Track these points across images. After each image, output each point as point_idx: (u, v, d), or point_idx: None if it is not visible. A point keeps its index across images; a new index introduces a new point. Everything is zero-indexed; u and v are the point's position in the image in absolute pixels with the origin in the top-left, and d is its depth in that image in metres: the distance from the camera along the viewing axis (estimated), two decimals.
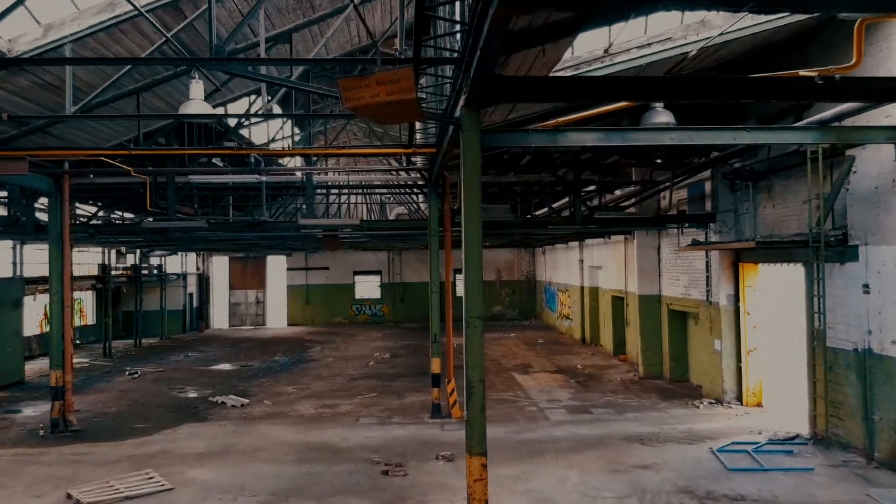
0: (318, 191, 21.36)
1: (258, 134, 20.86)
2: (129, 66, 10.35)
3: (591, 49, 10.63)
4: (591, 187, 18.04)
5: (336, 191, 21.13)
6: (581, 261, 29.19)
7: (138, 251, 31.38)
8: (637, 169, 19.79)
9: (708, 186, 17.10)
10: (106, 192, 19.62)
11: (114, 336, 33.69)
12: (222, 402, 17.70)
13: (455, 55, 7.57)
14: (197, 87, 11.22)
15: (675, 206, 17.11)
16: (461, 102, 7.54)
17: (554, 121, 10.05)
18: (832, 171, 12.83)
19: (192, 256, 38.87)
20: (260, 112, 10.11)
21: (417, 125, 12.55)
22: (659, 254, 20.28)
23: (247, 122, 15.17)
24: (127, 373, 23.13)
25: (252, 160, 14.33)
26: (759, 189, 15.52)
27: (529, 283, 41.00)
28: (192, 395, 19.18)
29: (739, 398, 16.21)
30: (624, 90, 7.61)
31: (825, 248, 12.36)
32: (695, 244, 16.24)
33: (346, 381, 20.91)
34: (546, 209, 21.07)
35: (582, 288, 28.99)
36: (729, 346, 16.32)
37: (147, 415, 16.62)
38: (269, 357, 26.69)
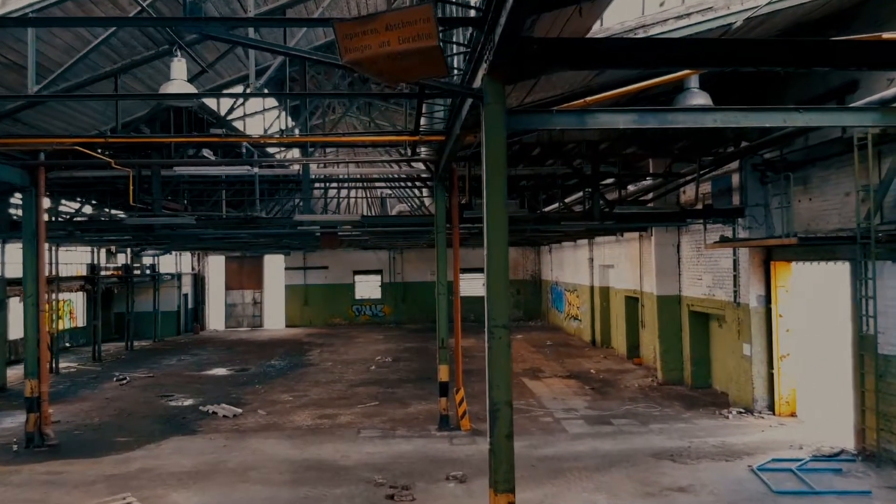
0: (316, 186, 20.14)
1: (253, 127, 19.65)
2: (100, 41, 9.12)
3: (622, 20, 9.42)
4: (610, 180, 16.81)
5: (335, 185, 19.92)
6: (591, 259, 27.98)
7: (129, 250, 30.14)
8: (653, 162, 18.63)
9: (735, 179, 15.89)
10: (90, 188, 18.39)
11: (106, 339, 32.56)
12: (213, 412, 16.48)
13: (476, 13, 6.35)
14: (179, 67, 10.03)
15: (698, 200, 15.90)
16: (483, 71, 6.33)
17: (582, 101, 8.89)
18: (880, 160, 11.64)
19: (186, 256, 37.63)
20: (248, 91, 8.91)
21: (423, 109, 11.32)
22: (678, 252, 19.06)
23: (238, 105, 13.94)
24: (115, 378, 21.92)
25: (244, 151, 13.13)
26: (793, 181, 14.30)
27: (535, 282, 39.79)
28: (182, 403, 17.97)
29: (771, 407, 15.01)
30: (693, 54, 6.31)
31: (875, 244, 11.16)
32: (724, 241, 15.02)
33: (345, 387, 19.71)
34: (557, 204, 19.85)
35: (592, 288, 27.78)
36: (760, 351, 15.12)
37: (132, 426, 15.40)
38: (266, 361, 25.48)
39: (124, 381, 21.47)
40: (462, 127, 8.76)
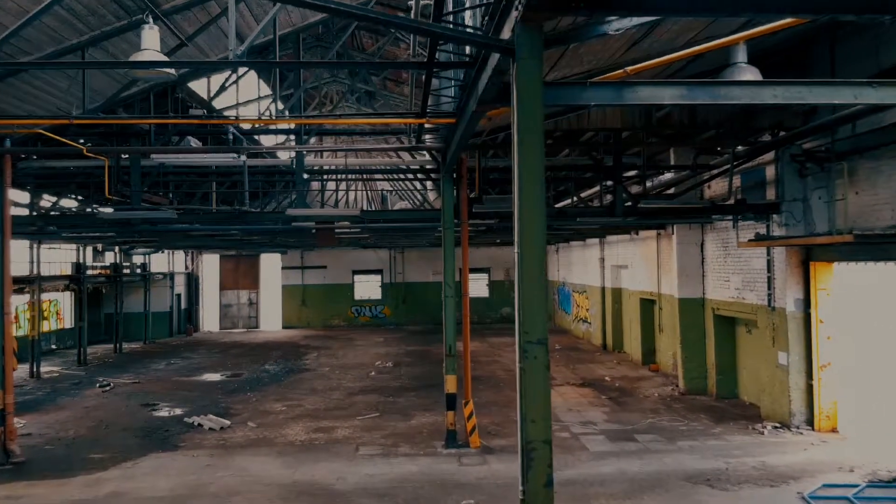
0: (312, 179, 18.78)
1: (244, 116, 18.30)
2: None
3: None
4: (632, 173, 15.46)
5: (332, 178, 18.56)
6: (602, 259, 26.63)
7: (117, 248, 28.77)
8: (674, 154, 17.31)
9: (769, 172, 14.56)
10: (70, 180, 17.05)
11: (95, 340, 31.23)
12: (199, 425, 15.13)
13: None
14: (151, 35, 8.72)
15: (731, 195, 14.54)
16: (514, 17, 4.99)
17: (621, 71, 7.58)
18: None
19: (180, 255, 36.27)
20: (229, 58, 7.58)
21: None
22: (702, 251, 17.71)
23: (230, 83, 12.60)
24: (98, 385, 20.56)
25: (230, 138, 11.80)
26: (836, 173, 12.96)
27: None
28: (167, 413, 16.62)
29: (810, 422, 13.66)
30: None
31: None
32: (760, 239, 13.69)
33: (343, 395, 18.35)
34: (571, 199, 18.51)
35: (603, 289, 26.44)
36: (798, 360, 13.77)
37: (108, 441, 14.06)
38: (260, 365, 24.12)
39: (107, 388, 20.12)
40: (479, 101, 7.40)
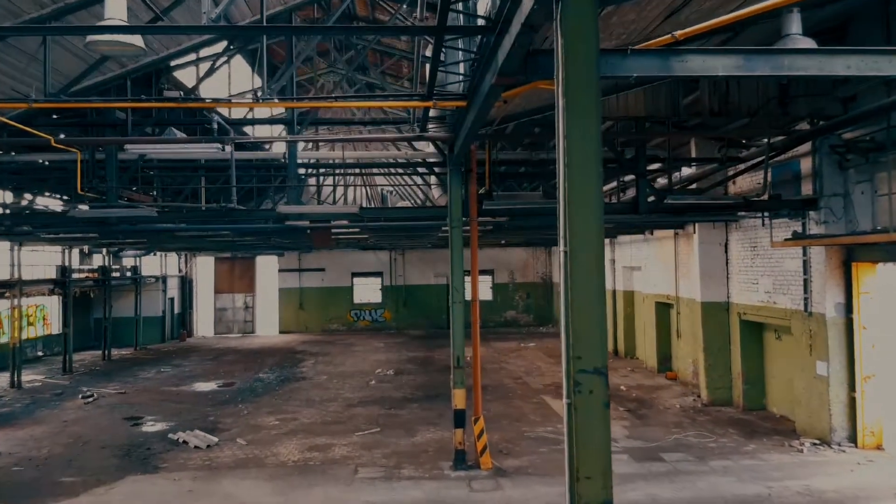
0: (307, 174, 17.55)
1: (236, 111, 17.09)
2: None
3: None
4: (655, 166, 14.25)
5: (328, 173, 17.32)
6: (613, 261, 25.44)
7: (104, 250, 27.54)
8: (696, 146, 16.12)
9: (804, 164, 13.37)
10: (47, 174, 15.82)
11: (84, 346, 30.03)
12: (184, 442, 13.91)
13: None
14: (116, 3, 7.51)
15: (766, 189, 13.32)
16: None
17: (668, 36, 6.42)
18: None
19: (173, 257, 35.05)
20: (205, 23, 6.40)
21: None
22: (727, 251, 16.50)
23: (219, 65, 11.36)
24: (81, 396, 19.33)
25: (215, 127, 10.62)
26: (881, 166, 11.79)
27: (546, 285, 37.19)
28: (151, 428, 15.40)
29: (853, 439, 12.46)
30: None
31: None
32: (798, 238, 12.49)
33: (341, 407, 17.13)
34: None
35: (614, 292, 25.24)
36: (839, 371, 12.57)
37: (84, 461, 12.84)
38: (254, 373, 22.89)
39: (91, 399, 18.89)
40: (500, 72, 6.20)
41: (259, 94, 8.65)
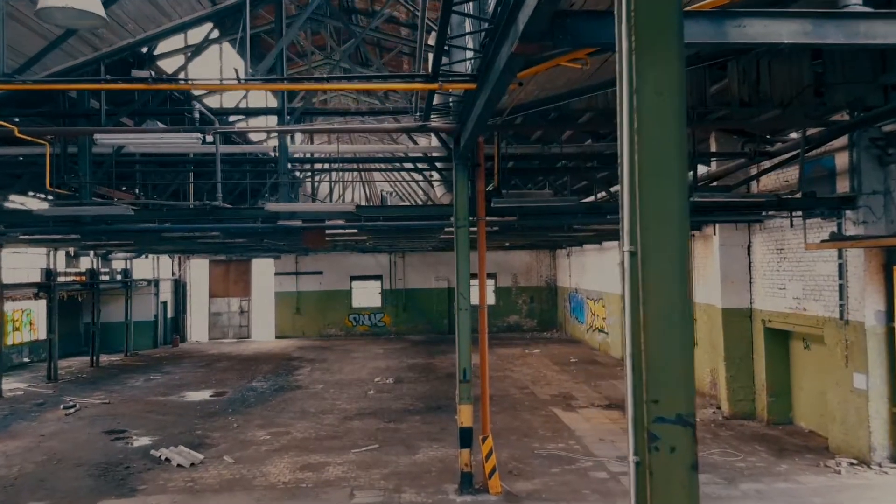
0: (301, 169, 16.48)
1: (229, 100, 16.04)
2: None
3: None
4: None
5: (322, 169, 16.25)
6: (622, 263, 24.33)
7: (92, 253, 26.49)
8: (716, 140, 15.10)
9: (840, 160, 12.33)
10: (23, 170, 14.77)
11: (73, 352, 28.99)
12: (166, 459, 12.85)
13: None
14: None
15: (798, 187, 12.29)
16: None
17: None
18: None
19: (166, 260, 33.98)
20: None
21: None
22: (749, 254, 15.46)
23: (206, 45, 10.35)
24: (62, 406, 18.25)
25: (197, 115, 9.60)
26: None
27: (550, 289, 36.12)
28: (132, 443, 14.34)
29: (894, 458, 11.40)
30: None
31: None
32: (835, 239, 11.45)
33: (338, 420, 16.06)
34: (594, 196, 16.27)
35: (623, 296, 24.12)
36: (879, 384, 11.52)
37: (55, 482, 11.77)
38: (247, 382, 21.82)
39: (72, 410, 17.82)
40: (522, 37, 5.16)
41: (241, 74, 7.59)
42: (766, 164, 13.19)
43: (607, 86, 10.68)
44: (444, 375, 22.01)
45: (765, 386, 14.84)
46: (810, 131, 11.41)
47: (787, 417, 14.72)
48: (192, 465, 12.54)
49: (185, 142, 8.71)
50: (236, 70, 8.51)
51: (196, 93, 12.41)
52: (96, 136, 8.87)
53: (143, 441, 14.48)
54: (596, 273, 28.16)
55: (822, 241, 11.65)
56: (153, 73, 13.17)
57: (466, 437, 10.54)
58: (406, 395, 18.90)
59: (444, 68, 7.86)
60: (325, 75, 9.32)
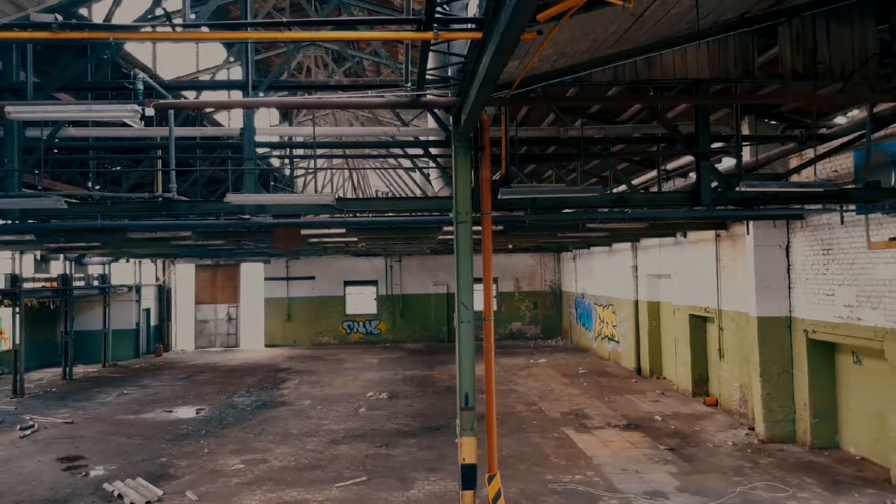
0: (270, 156, 14.64)
1: (175, 73, 14.23)
2: None
3: None
4: (718, 145, 11.41)
5: (298, 156, 14.40)
6: (635, 267, 22.60)
7: (62, 257, 24.67)
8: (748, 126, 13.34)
9: None
10: None
11: (49, 362, 27.11)
12: (119, 496, 11.02)
13: None
14: None
15: (856, 177, 10.52)
16: None
17: None
18: None
19: (149, 265, 32.15)
20: None
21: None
22: (788, 255, 13.68)
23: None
24: (20, 427, 16.41)
25: (141, 86, 7.84)
26: None
27: (554, 294, 34.31)
28: (86, 473, 12.50)
29: None
30: None
31: None
32: None
33: (323, 444, 14.23)
34: (624, 187, 14.47)
35: (636, 302, 22.40)
36: None
37: None
38: (227, 397, 19.99)
39: (29, 432, 15.98)
40: None
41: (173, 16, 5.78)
42: (810, 152, 11.40)
43: (637, 53, 8.99)
44: (442, 389, 20.19)
45: (807, 405, 13.04)
46: (876, 108, 9.65)
47: (833, 441, 12.92)
48: (148, 502, 10.71)
49: (116, 113, 6.90)
50: (165, 10, 6.66)
51: (140, 60, 10.59)
52: (7, 108, 7.07)
53: (98, 471, 12.63)
54: (605, 277, 26.37)
55: (891, 239, 9.86)
56: (123, 62, 11.47)
57: (469, 477, 8.71)
58: (401, 413, 17.06)
59: (441, 12, 6.08)
60: (285, 20, 7.50)
